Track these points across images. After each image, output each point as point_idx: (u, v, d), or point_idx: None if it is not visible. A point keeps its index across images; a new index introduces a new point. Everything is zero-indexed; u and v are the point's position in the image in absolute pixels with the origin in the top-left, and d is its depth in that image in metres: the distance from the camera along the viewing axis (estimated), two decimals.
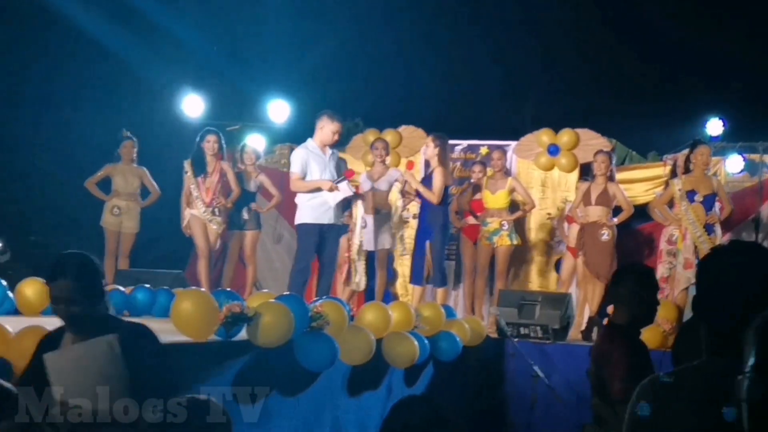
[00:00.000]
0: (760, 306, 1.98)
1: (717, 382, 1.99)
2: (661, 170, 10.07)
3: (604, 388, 3.92)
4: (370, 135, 10.49)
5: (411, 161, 8.58)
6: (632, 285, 4.02)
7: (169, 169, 9.74)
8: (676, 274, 8.43)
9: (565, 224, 9.59)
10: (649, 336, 7.21)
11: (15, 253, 10.02)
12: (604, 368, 3.93)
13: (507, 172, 9.41)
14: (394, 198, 8.83)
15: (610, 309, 4.56)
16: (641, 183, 10.18)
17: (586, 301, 8.88)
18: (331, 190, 7.57)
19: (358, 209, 8.16)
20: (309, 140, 7.78)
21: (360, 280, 8.25)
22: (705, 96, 11.39)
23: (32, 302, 6.59)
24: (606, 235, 8.59)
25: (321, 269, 7.77)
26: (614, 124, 10.96)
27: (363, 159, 10.23)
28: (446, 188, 8.68)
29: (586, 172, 9.79)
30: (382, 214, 8.54)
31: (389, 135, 10.43)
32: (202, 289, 6.05)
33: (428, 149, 8.77)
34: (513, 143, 10.53)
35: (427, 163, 9.41)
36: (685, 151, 8.76)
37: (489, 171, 9.32)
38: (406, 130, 10.81)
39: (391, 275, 9.22)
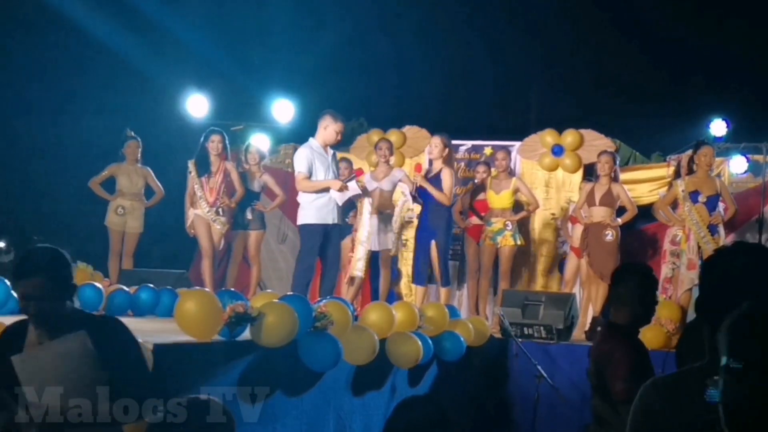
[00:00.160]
0: None
1: None
2: (665, 171, 10.07)
3: (605, 389, 3.90)
4: (374, 135, 10.50)
5: (419, 164, 8.56)
6: (632, 285, 4.01)
7: (174, 169, 9.75)
8: (679, 275, 8.42)
9: (569, 224, 9.58)
10: (652, 336, 7.24)
11: (18, 252, 10.04)
12: (606, 368, 3.91)
13: (511, 173, 9.41)
14: (399, 198, 8.83)
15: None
16: (645, 183, 10.16)
17: (589, 301, 8.88)
18: (341, 190, 7.56)
19: (365, 206, 8.13)
20: (311, 139, 7.75)
21: (362, 266, 8.19)
22: (709, 97, 11.38)
23: None
24: (610, 235, 8.59)
25: (324, 269, 7.75)
26: (618, 124, 10.96)
27: (367, 159, 10.23)
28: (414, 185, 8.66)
29: (589, 172, 9.80)
30: (385, 215, 8.55)
31: (393, 135, 10.43)
32: (206, 289, 6.05)
33: (435, 149, 8.73)
34: (517, 143, 10.53)
35: (429, 163, 9.40)
36: (689, 152, 8.75)
37: (493, 171, 9.32)
38: (410, 130, 10.82)
39: (395, 275, 9.23)
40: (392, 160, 9.08)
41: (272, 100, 11.55)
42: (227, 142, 8.79)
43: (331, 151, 7.83)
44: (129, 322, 6.46)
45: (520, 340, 7.68)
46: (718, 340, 1.87)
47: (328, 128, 7.66)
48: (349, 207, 8.17)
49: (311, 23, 12.66)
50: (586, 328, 8.38)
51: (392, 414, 2.64)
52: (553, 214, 10.17)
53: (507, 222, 8.93)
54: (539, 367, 7.04)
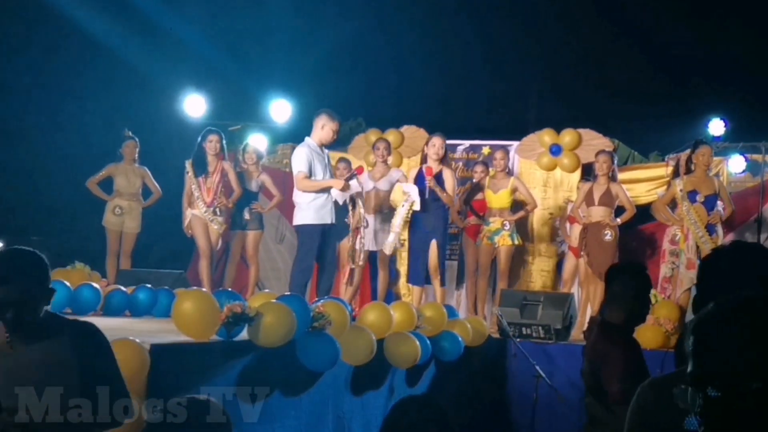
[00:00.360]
0: None
1: None
2: (663, 170, 10.06)
3: (599, 388, 3.87)
4: (372, 135, 10.49)
5: (429, 167, 8.56)
6: (627, 284, 4.00)
7: (171, 169, 9.74)
8: (678, 275, 8.42)
9: (567, 224, 9.58)
10: (651, 336, 7.25)
11: None
12: (601, 368, 3.88)
13: (509, 172, 9.41)
14: (400, 198, 8.82)
15: None
16: (643, 183, 10.16)
17: (588, 301, 8.87)
18: (344, 189, 7.55)
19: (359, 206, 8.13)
20: (308, 139, 7.71)
21: (361, 254, 8.17)
22: (707, 96, 11.39)
23: None
24: (609, 235, 8.59)
25: (321, 269, 7.73)
26: (616, 124, 10.97)
27: (365, 159, 10.22)
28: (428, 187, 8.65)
29: (588, 172, 9.79)
30: (383, 215, 8.54)
31: (391, 135, 10.43)
32: (204, 290, 6.05)
33: (434, 149, 8.66)
34: (515, 143, 10.53)
35: (423, 160, 9.35)
36: (687, 152, 8.75)
37: (491, 171, 9.32)
38: (408, 130, 10.81)
39: (394, 275, 9.22)
40: (390, 159, 9.06)
41: (270, 100, 11.54)
42: (224, 142, 8.78)
43: (326, 151, 7.82)
44: (126, 322, 6.49)
45: (518, 340, 7.68)
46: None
47: (326, 127, 7.64)
48: (344, 208, 8.12)
49: (309, 23, 12.66)
50: (585, 328, 8.36)
51: (390, 414, 2.63)
52: (551, 213, 10.17)
53: (505, 222, 8.93)
54: (537, 367, 7.05)
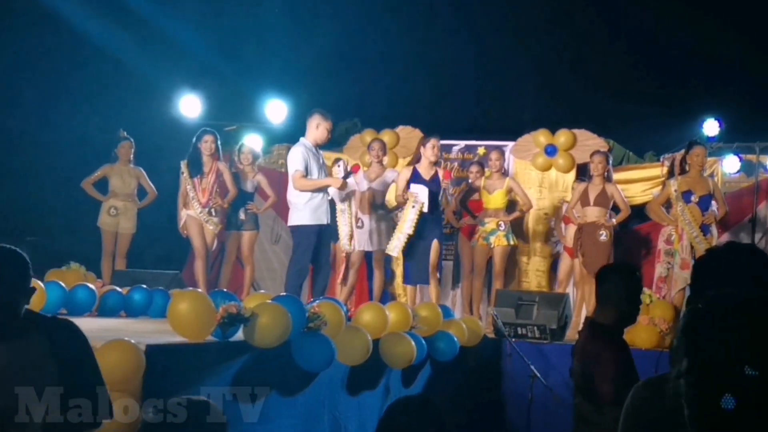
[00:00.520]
0: None
1: None
2: (658, 170, 10.10)
3: (589, 389, 3.87)
4: (368, 135, 10.51)
5: (448, 170, 8.57)
6: (618, 284, 4.00)
7: (167, 169, 9.74)
8: (673, 275, 8.44)
9: (562, 224, 9.60)
10: (646, 336, 7.28)
11: None
12: (592, 369, 3.87)
13: (505, 173, 9.42)
14: (392, 198, 8.82)
15: None
16: (638, 183, 10.19)
17: (583, 301, 8.89)
18: (342, 188, 7.55)
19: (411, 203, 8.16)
20: (302, 139, 7.73)
21: (357, 242, 8.15)
22: (702, 97, 11.39)
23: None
24: (604, 235, 8.60)
25: (316, 270, 7.74)
26: (611, 124, 10.96)
27: (360, 159, 10.23)
28: (444, 190, 8.67)
29: (583, 172, 9.82)
30: (379, 215, 8.54)
31: (386, 135, 10.44)
32: (199, 290, 6.05)
33: (433, 151, 8.60)
34: (510, 144, 10.55)
35: (417, 160, 9.33)
36: (682, 152, 8.78)
37: (486, 171, 9.33)
38: (403, 130, 10.82)
39: (389, 275, 9.23)
40: (385, 160, 9.07)
41: (265, 100, 11.53)
42: (220, 142, 8.78)
43: (320, 152, 7.83)
44: (122, 323, 6.48)
45: (513, 340, 7.69)
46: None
47: (320, 127, 7.65)
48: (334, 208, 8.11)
49: (305, 23, 12.64)
50: (580, 328, 8.37)
51: (385, 414, 2.64)
52: (546, 214, 10.19)
53: (500, 222, 8.94)
54: (533, 367, 7.06)
